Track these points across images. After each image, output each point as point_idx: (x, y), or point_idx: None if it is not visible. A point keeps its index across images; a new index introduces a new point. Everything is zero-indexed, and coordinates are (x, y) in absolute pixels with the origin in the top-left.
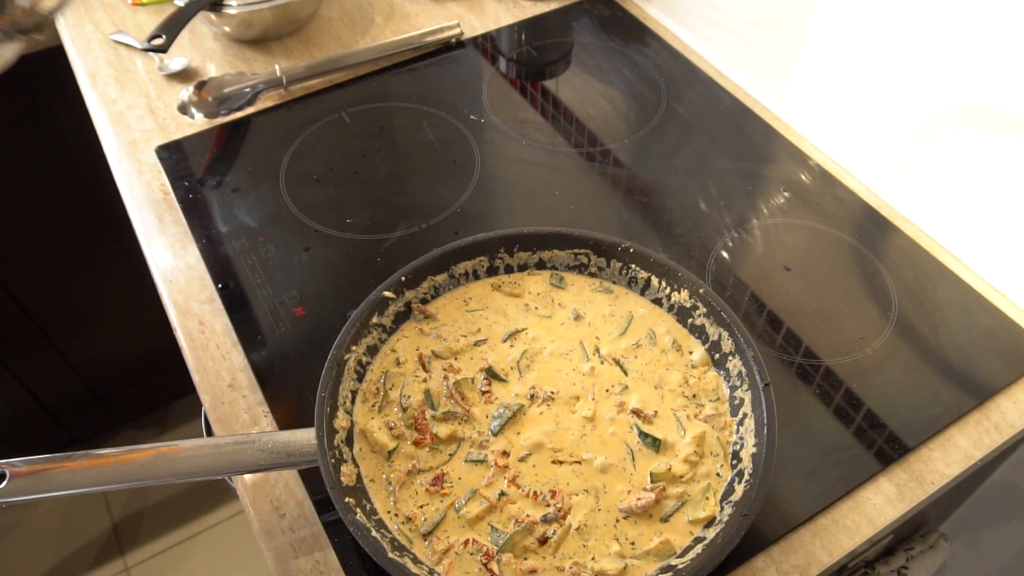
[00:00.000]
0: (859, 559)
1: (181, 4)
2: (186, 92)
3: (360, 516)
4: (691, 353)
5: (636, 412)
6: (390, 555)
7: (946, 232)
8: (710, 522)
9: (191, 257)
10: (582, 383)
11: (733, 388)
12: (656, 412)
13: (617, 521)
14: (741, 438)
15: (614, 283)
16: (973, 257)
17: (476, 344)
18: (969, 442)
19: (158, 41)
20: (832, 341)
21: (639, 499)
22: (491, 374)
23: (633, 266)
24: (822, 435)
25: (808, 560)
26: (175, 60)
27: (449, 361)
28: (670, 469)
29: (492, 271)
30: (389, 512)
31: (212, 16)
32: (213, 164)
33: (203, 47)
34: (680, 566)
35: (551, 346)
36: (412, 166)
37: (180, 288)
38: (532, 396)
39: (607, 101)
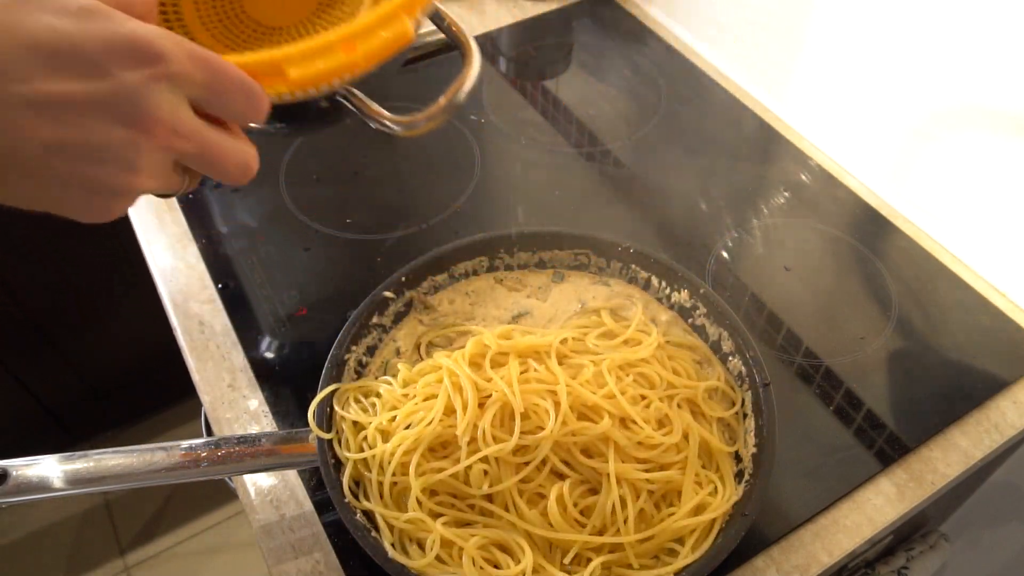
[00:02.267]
0: (859, 559)
1: None
2: None
3: (360, 517)
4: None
5: None
6: (390, 555)
7: (946, 232)
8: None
9: (191, 257)
10: None
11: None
12: None
13: None
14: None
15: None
16: (973, 257)
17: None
18: (969, 442)
19: None
20: (832, 341)
21: None
22: None
23: (633, 266)
24: (822, 435)
25: (808, 560)
26: None
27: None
28: None
29: (492, 271)
30: None
31: None
32: None
33: None
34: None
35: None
36: (412, 166)
37: (180, 288)
38: None
39: (607, 101)
